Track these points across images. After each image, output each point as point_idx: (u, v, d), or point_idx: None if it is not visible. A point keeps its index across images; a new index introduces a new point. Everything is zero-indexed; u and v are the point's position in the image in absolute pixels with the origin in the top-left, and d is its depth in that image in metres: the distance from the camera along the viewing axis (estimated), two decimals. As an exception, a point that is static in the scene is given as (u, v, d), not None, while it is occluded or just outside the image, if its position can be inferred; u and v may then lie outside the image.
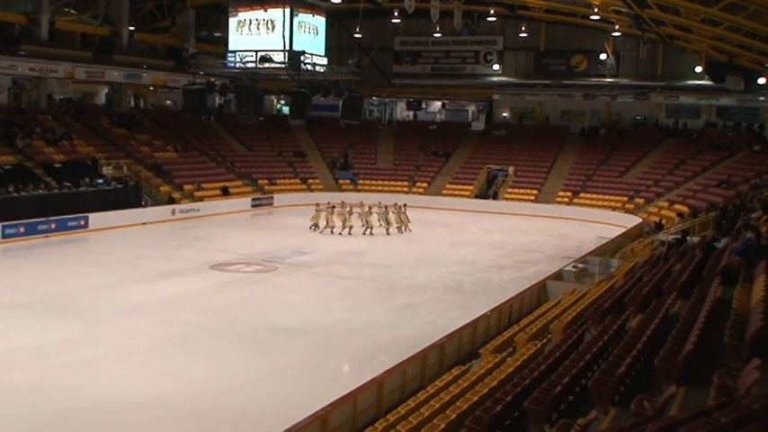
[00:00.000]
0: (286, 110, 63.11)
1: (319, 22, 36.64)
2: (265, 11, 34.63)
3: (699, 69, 51.66)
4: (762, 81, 49.60)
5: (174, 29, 55.57)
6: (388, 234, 39.35)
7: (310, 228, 39.75)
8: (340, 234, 38.69)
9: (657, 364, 10.87)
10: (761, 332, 10.57)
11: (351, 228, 39.11)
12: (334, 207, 40.15)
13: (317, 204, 41.10)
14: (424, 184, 54.78)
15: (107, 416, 15.44)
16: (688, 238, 28.06)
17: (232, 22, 36.09)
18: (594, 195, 50.08)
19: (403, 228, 40.27)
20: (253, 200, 49.26)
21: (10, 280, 27.03)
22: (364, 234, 38.92)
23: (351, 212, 39.61)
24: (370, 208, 40.11)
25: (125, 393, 16.48)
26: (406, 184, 54.80)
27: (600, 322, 16.16)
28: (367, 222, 39.36)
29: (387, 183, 54.72)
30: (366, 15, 49.57)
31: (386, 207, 40.61)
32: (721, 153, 49.45)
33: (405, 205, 41.55)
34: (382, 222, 39.75)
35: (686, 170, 49.22)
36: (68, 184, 38.91)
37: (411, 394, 15.39)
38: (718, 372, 9.82)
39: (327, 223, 39.53)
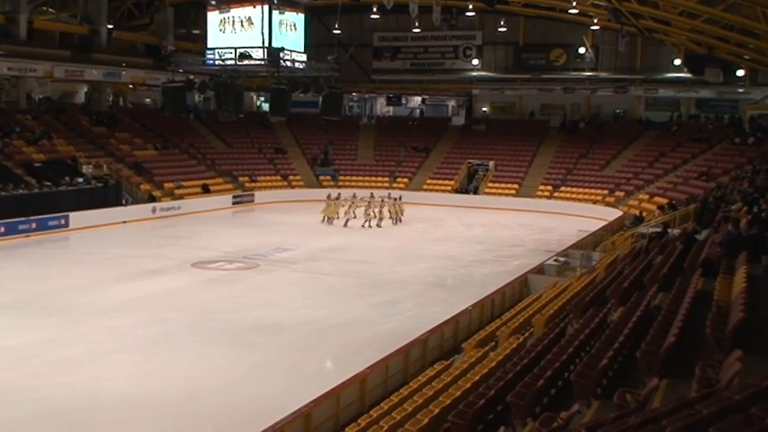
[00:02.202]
0: (266, 107, 62.96)
1: (298, 18, 36.53)
2: (254, 7, 34.42)
3: (678, 62, 51.95)
4: (740, 73, 49.91)
5: (152, 27, 55.37)
6: (380, 227, 40.36)
7: (322, 221, 41.08)
8: (369, 227, 40.36)
9: (639, 357, 10.91)
10: (742, 324, 10.64)
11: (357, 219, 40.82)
12: (351, 199, 42.12)
13: (328, 197, 42.59)
14: (405, 180, 54.76)
15: (89, 415, 15.39)
16: (669, 230, 28.18)
17: (211, 19, 35.93)
18: (575, 189, 50.19)
19: (396, 218, 41.82)
20: (234, 197, 49.11)
21: (-10, 280, 26.86)
22: (378, 226, 40.43)
23: (370, 205, 41.33)
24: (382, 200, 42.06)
25: (107, 392, 16.42)
26: (386, 179, 54.75)
27: (582, 315, 16.22)
28: (379, 214, 41.02)
29: (367, 178, 54.60)
30: (345, 11, 49.49)
31: (382, 199, 42.24)
32: (701, 145, 49.66)
33: (400, 197, 43.40)
34: (375, 214, 41.09)
35: (666, 162, 49.42)
36: (48, 183, 38.71)
37: (394, 390, 15.41)
38: (699, 363, 9.87)
39: (346, 215, 40.99)
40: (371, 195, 42.67)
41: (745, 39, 37.53)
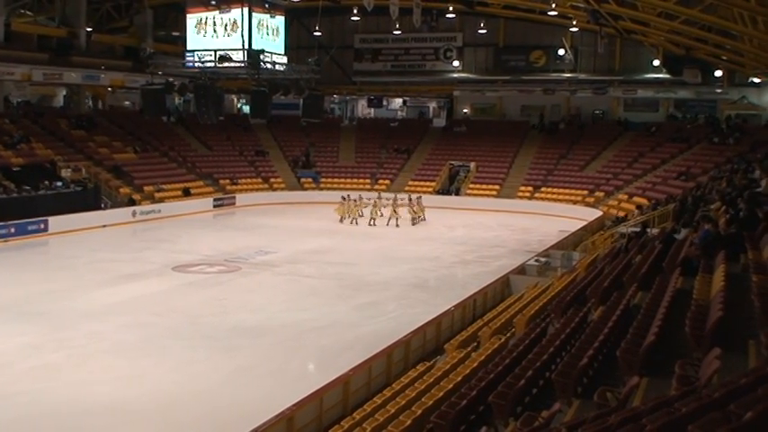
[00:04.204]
0: (246, 109, 62.85)
1: (279, 20, 36.49)
2: (225, 10, 34.34)
3: (656, 63, 52.26)
4: (718, 73, 50.29)
5: (131, 29, 55.12)
6: (397, 226, 41.83)
7: (341, 220, 42.79)
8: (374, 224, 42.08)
9: (619, 356, 10.98)
10: (721, 322, 10.71)
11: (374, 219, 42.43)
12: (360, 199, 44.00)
13: (342, 198, 43.99)
14: (387, 181, 54.75)
15: (71, 420, 15.31)
16: (648, 229, 28.32)
17: (190, 21, 35.82)
18: (555, 189, 50.41)
19: (418, 218, 43.62)
20: (215, 200, 48.99)
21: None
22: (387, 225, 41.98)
23: (388, 205, 42.94)
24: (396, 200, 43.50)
25: (89, 397, 16.35)
26: (368, 181, 54.77)
27: (562, 315, 16.31)
28: (395, 213, 42.59)
29: (349, 180, 54.64)
30: (325, 13, 49.48)
31: (401, 199, 43.88)
32: (680, 145, 49.95)
33: (419, 197, 45.31)
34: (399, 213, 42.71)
35: (645, 163, 49.70)
36: (27, 187, 38.52)
37: (377, 391, 15.45)
38: (679, 362, 9.94)
39: (354, 215, 42.87)
40: (395, 197, 43.97)
41: (722, 40, 37.82)
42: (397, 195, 44.53)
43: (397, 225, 41.74)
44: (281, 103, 42.04)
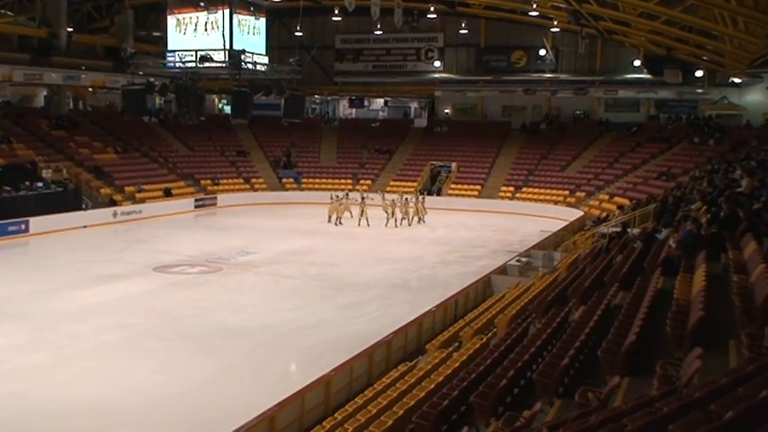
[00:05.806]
0: (228, 109, 62.78)
1: (260, 21, 36.40)
2: (212, 11, 34.20)
3: (637, 63, 52.48)
4: (699, 74, 50.52)
5: (112, 29, 54.83)
6: (409, 225, 42.51)
7: (329, 221, 42.44)
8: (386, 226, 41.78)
9: (601, 356, 11.01)
10: (702, 322, 10.76)
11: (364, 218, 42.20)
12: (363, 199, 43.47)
13: (332, 198, 43.70)
14: (368, 182, 54.68)
15: (52, 422, 15.21)
16: (628, 229, 28.41)
17: (171, 21, 35.65)
18: (537, 190, 50.51)
19: (421, 217, 43.49)
20: (196, 200, 48.81)
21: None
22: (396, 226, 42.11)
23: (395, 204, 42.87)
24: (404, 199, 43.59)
25: (70, 399, 16.25)
26: (350, 181, 54.69)
27: (544, 315, 16.34)
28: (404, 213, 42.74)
29: (330, 181, 54.59)
30: (307, 13, 49.41)
31: (406, 199, 43.74)
32: (661, 145, 50.15)
33: (423, 196, 45.62)
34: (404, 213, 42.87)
35: (626, 163, 49.88)
36: (8, 188, 38.28)
37: (358, 392, 15.44)
38: (660, 362, 9.98)
39: (361, 215, 42.36)
40: (400, 196, 44.31)
41: (703, 40, 37.98)
42: (407, 196, 44.75)
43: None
44: (262, 103, 41.94)
